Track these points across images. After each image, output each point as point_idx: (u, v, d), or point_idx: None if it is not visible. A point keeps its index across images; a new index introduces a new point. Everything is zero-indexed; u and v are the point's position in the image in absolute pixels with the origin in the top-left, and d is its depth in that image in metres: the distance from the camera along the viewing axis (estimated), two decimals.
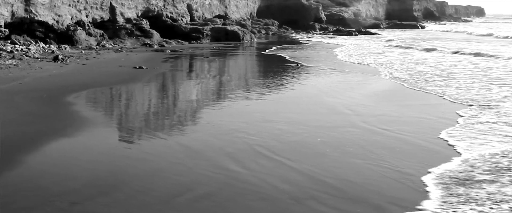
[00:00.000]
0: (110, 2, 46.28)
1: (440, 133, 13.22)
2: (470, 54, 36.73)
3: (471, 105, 17.05)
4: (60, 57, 29.38)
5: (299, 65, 31.06)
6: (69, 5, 42.02)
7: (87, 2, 43.94)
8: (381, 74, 26.45)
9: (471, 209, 8.25)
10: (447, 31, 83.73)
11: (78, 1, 42.85)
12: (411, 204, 8.57)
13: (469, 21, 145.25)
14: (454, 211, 8.21)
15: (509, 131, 13.40)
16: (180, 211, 8.22)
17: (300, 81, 24.42)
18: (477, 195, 8.79)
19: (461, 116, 15.35)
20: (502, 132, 13.30)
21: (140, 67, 27.29)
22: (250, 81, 24.64)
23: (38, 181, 9.41)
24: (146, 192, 8.92)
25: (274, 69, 29.49)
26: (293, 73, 27.32)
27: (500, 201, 8.52)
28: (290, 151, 11.61)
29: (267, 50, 42.70)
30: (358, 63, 32.03)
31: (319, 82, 23.78)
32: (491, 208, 8.29)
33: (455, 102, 17.87)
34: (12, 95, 18.04)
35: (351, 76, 25.76)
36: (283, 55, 38.02)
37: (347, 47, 46.47)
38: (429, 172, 10.08)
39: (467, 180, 9.62)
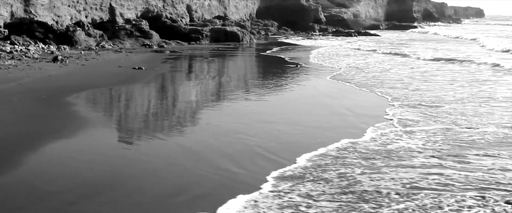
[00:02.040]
0: (110, 3, 46.34)
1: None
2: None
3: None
4: (59, 57, 29.41)
5: (299, 66, 31.09)
6: (69, 6, 42.08)
7: (86, 3, 44.00)
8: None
9: None
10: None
11: (77, 2, 42.91)
12: None
13: (464, 22, 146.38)
14: None
15: None
16: (175, 211, 8.23)
17: (299, 82, 24.42)
18: None
19: None
20: None
21: (139, 68, 27.30)
22: (249, 82, 24.64)
23: (35, 181, 9.41)
24: (142, 193, 8.91)
25: (273, 70, 29.51)
26: (292, 74, 27.33)
27: None
28: (288, 152, 11.60)
29: (267, 51, 42.70)
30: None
31: (318, 83, 23.78)
32: None
33: None
34: (11, 95, 18.04)
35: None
36: (282, 56, 38.03)
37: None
38: None
39: None
